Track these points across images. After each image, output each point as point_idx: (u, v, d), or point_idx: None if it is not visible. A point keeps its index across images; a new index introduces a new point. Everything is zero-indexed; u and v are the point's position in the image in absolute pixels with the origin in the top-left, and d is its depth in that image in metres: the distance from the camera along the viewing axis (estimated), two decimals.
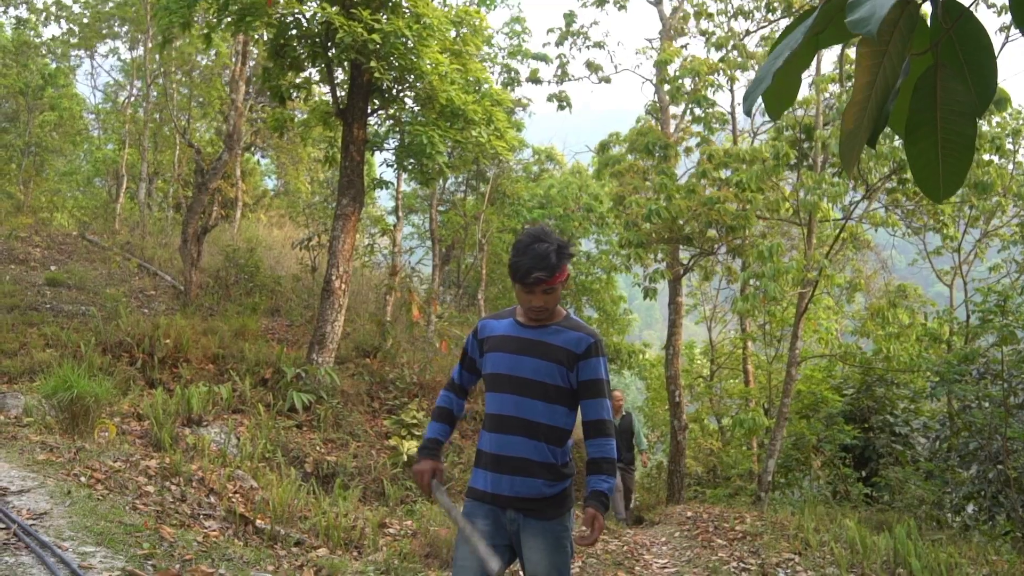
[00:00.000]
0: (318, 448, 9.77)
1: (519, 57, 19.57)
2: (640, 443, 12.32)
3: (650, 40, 18.99)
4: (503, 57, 19.58)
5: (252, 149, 21.82)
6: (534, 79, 19.28)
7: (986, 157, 14.40)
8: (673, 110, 19.14)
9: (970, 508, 11.01)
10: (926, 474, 12.01)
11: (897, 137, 13.09)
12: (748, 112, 1.80)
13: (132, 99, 24.36)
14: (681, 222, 15.64)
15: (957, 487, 11.07)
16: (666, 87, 17.89)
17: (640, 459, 12.70)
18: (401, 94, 12.03)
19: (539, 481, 3.38)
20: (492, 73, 18.39)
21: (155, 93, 21.87)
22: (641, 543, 10.04)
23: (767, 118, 17.80)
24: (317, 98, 15.96)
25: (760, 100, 1.72)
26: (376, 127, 12.68)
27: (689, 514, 11.83)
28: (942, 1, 1.63)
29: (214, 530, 5.90)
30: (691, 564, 8.62)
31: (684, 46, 18.16)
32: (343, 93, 11.79)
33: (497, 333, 3.55)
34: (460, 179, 20.89)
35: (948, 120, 1.63)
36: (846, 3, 1.64)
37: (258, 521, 6.39)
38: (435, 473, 3.59)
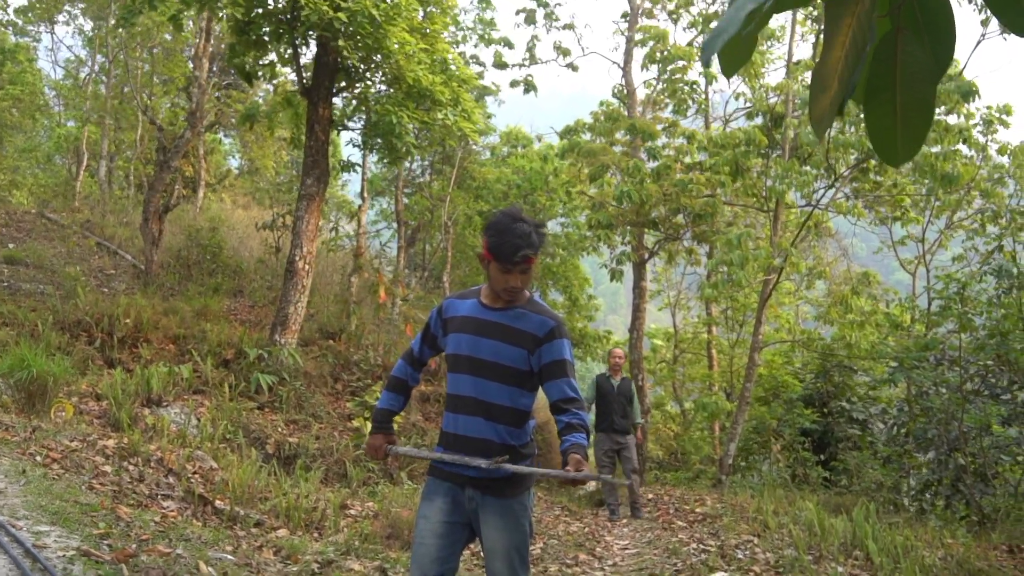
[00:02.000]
0: (280, 429, 9.70)
1: (485, 43, 19.48)
2: (635, 415, 11.16)
3: (617, 22, 19.00)
4: (474, 43, 19.48)
5: (216, 128, 21.57)
6: (499, 64, 19.22)
7: (953, 148, 14.57)
8: (640, 94, 19.19)
9: (928, 494, 11.17)
10: (884, 459, 12.16)
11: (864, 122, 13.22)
12: (706, 63, 1.77)
13: (93, 75, 23.99)
14: (648, 206, 15.69)
15: (915, 472, 11.22)
16: (637, 64, 17.94)
17: (635, 432, 11.28)
18: (368, 73, 11.94)
19: None
20: (461, 56, 18.31)
21: (117, 70, 21.54)
22: (602, 525, 10.10)
23: (740, 105, 17.93)
24: (282, 77, 15.80)
25: (715, 58, 1.70)
26: (343, 107, 12.55)
27: (650, 496, 11.91)
28: None
29: (172, 510, 5.85)
30: (651, 545, 8.68)
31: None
32: (308, 74, 11.68)
33: (460, 314, 3.54)
34: (426, 161, 20.80)
35: (907, 84, 1.62)
36: None
37: (217, 502, 6.34)
38: (388, 444, 3.68)
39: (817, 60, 1.74)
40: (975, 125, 14.93)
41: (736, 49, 1.67)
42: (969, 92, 13.37)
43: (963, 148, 14.92)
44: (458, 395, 3.48)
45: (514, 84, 19.24)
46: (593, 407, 11.09)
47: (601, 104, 19.50)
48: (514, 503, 3.43)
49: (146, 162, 21.41)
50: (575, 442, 3.31)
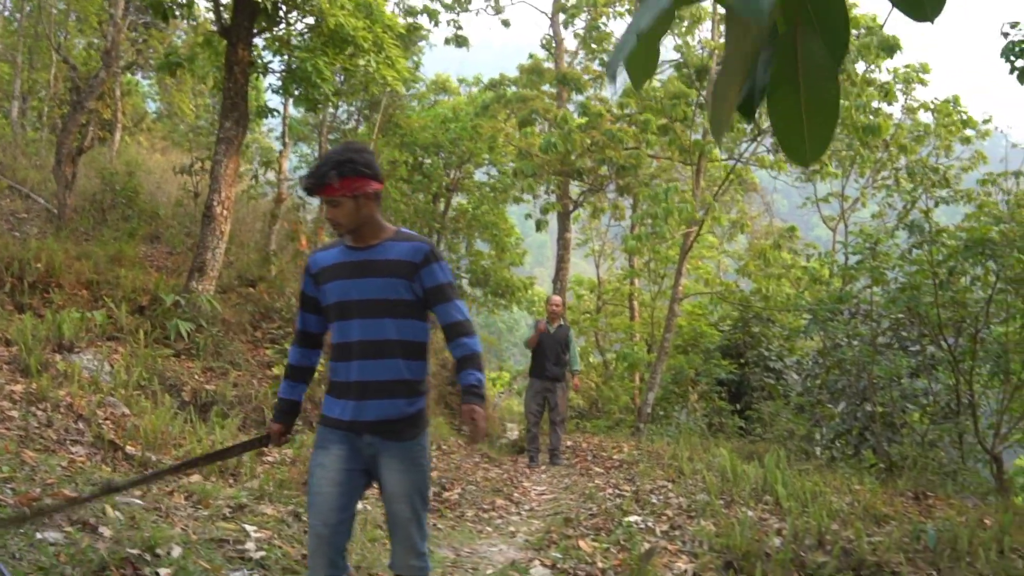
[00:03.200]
0: (197, 377, 9.57)
1: None
2: (573, 363, 11.19)
3: None
4: None
5: (134, 69, 20.94)
6: (430, 13, 18.94)
7: (875, 105, 14.86)
8: (568, 45, 19.17)
9: (837, 442, 11.52)
10: (797, 408, 12.48)
11: None
12: (612, 79, 1.75)
13: (5, 12, 23.10)
14: (573, 156, 15.71)
15: (827, 421, 11.55)
16: (562, 16, 17.90)
17: (572, 382, 11.50)
18: (288, 16, 11.66)
19: (400, 401, 3.39)
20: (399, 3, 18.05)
21: (29, 6, 20.75)
22: (521, 471, 10.23)
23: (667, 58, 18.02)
24: (202, 17, 15.36)
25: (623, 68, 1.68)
26: (262, 50, 12.23)
27: (569, 444, 12.08)
28: None
29: (81, 455, 5.77)
30: (568, 491, 8.83)
31: None
32: (227, 15, 11.36)
33: (329, 263, 3.51)
34: (352, 107, 20.46)
35: (810, 80, 1.59)
36: None
37: (128, 447, 6.26)
38: (283, 434, 3.69)
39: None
40: (895, 82, 15.23)
41: (642, 60, 1.65)
42: (891, 47, 13.59)
43: (885, 106, 15.24)
44: (346, 342, 3.44)
45: (448, 42, 19.04)
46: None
47: (530, 57, 19.41)
48: (412, 444, 3.43)
49: (60, 103, 20.70)
50: (466, 384, 3.41)
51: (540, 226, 17.80)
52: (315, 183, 3.34)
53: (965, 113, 16.20)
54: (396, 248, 3.43)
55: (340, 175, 3.32)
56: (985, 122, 16.22)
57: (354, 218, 3.39)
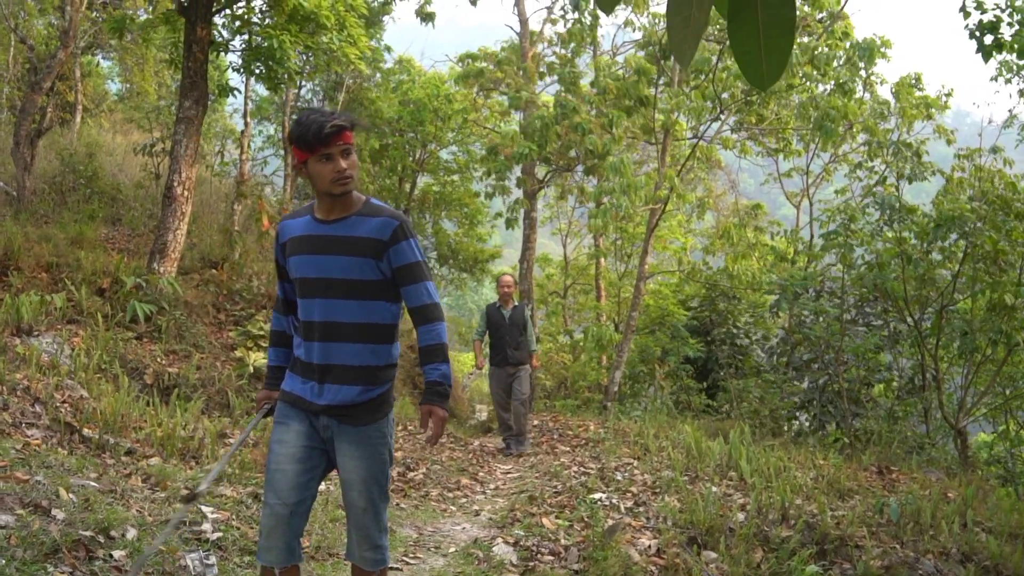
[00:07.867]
0: (159, 360, 9.47)
1: None
2: (530, 342, 10.67)
3: None
4: None
5: (94, 50, 20.61)
6: None
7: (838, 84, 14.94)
8: (533, 26, 19.10)
9: (803, 418, 11.60)
10: (764, 385, 12.56)
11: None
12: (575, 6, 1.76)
13: None
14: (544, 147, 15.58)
15: (793, 397, 11.63)
16: None
17: (531, 361, 10.81)
18: None
19: (356, 388, 3.23)
20: None
21: None
22: (487, 451, 10.22)
23: (629, 35, 18.00)
24: None
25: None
26: (222, 28, 12.06)
27: (536, 423, 12.07)
28: None
29: (36, 438, 5.67)
30: (534, 469, 8.84)
31: None
32: None
33: (296, 234, 3.32)
34: (316, 85, 20.22)
35: (768, 3, 1.61)
36: None
37: (85, 430, 6.17)
38: (269, 401, 3.52)
39: None
40: (850, 57, 15.35)
41: None
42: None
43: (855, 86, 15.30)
44: (310, 321, 3.28)
45: (418, 15, 18.86)
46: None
47: (508, 43, 19.36)
48: (371, 430, 3.27)
49: (20, 84, 20.35)
50: (429, 380, 3.25)
51: (510, 224, 17.71)
52: (341, 126, 3.11)
53: (923, 88, 16.45)
54: (363, 224, 3.22)
55: (352, 126, 3.17)
56: (947, 95, 16.51)
57: (357, 170, 3.22)
